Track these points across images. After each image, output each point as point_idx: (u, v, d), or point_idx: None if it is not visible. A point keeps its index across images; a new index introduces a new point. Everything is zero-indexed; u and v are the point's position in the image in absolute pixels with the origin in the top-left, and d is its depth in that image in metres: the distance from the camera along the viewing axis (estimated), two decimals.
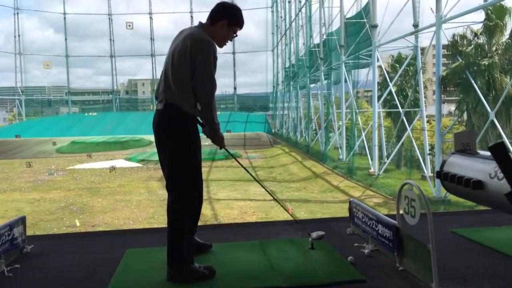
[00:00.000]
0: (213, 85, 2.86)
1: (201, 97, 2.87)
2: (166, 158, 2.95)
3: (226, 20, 2.97)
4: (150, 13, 59.91)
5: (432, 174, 16.60)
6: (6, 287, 2.89)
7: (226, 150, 3.23)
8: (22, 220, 3.57)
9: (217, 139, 3.00)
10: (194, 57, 2.80)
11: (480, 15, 15.92)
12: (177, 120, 2.88)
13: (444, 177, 2.91)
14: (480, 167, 2.63)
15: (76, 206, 15.56)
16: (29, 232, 3.87)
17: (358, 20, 22.51)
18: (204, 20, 3.07)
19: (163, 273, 2.98)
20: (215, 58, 2.87)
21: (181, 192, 2.90)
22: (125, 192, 18.14)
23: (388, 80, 21.26)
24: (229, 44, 3.17)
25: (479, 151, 2.89)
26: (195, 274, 2.83)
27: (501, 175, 2.41)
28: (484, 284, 2.75)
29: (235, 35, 3.07)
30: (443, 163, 3.02)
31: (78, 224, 12.82)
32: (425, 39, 17.05)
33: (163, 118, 2.93)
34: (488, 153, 2.68)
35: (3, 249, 3.18)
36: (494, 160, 2.24)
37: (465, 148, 2.93)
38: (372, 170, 19.78)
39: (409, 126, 18.25)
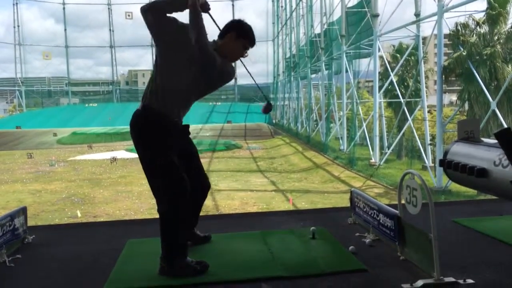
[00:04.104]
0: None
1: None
2: (143, 166, 2.89)
3: (234, 32, 2.95)
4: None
5: (433, 164, 16.61)
6: (7, 277, 2.90)
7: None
8: (23, 211, 3.56)
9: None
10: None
11: (483, 4, 15.82)
12: (155, 122, 2.83)
13: (447, 165, 2.89)
14: (484, 155, 2.60)
15: (77, 197, 15.61)
16: (31, 223, 3.88)
17: (359, 10, 22.36)
18: None
19: None
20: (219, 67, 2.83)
21: (167, 197, 2.82)
22: (126, 183, 18.18)
23: (389, 70, 21.19)
24: None
25: (483, 139, 2.86)
26: (186, 269, 2.81)
27: (505, 162, 2.39)
28: (486, 273, 2.74)
29: (246, 52, 3.03)
30: (447, 151, 3.00)
31: (79, 214, 12.87)
32: (427, 29, 17.04)
33: (135, 117, 2.88)
34: (492, 141, 2.66)
35: (5, 240, 3.18)
36: (498, 148, 2.22)
37: (468, 136, 2.90)
38: (373, 160, 19.78)
39: (410, 116, 18.21)
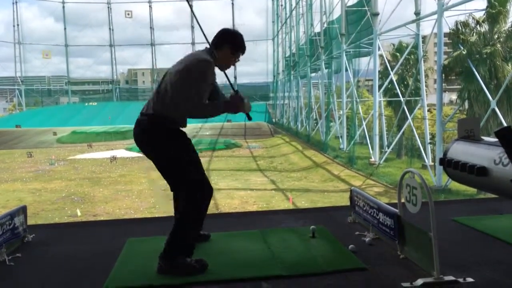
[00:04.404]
0: (196, 105, 2.84)
1: (183, 112, 2.92)
2: (160, 169, 2.98)
3: (229, 46, 3.03)
4: (150, 2, 59.50)
5: (432, 163, 16.62)
6: (7, 276, 2.90)
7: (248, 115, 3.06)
8: (23, 210, 3.56)
9: (236, 109, 2.96)
10: (189, 73, 2.86)
11: (483, 3, 15.80)
12: (159, 127, 2.92)
13: (447, 164, 2.88)
14: (484, 153, 2.60)
15: (77, 196, 15.60)
16: (31, 222, 3.88)
17: (359, 8, 22.35)
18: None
19: None
20: (212, 75, 2.91)
21: (192, 197, 2.89)
22: (126, 182, 18.18)
23: (389, 69, 21.16)
24: None
25: (483, 137, 2.86)
26: (185, 267, 2.81)
27: (506, 161, 2.39)
28: (485, 272, 2.74)
29: (238, 60, 3.13)
30: (447, 150, 2.99)
31: (79, 213, 12.87)
32: (427, 27, 17.00)
33: (144, 127, 2.97)
34: (492, 139, 2.66)
35: (4, 238, 3.18)
36: (498, 146, 2.21)
37: (468, 134, 2.90)
38: (372, 159, 19.79)
39: (410, 115, 18.21)
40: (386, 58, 24.01)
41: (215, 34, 3.07)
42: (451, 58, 15.73)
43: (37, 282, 2.82)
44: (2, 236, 3.16)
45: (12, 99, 64.58)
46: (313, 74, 35.35)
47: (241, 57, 3.15)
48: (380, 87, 21.11)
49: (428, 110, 19.43)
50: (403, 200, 2.92)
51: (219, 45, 3.03)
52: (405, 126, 20.06)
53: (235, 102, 2.95)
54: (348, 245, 3.20)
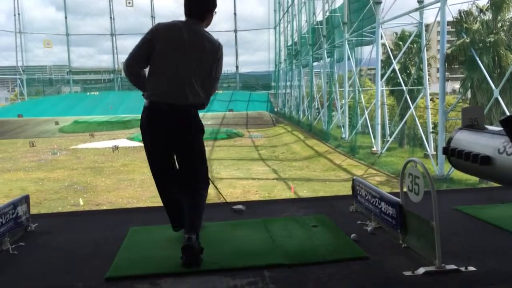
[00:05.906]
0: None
1: (209, 96, 3.30)
2: (192, 154, 3.14)
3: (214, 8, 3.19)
4: None
5: (434, 152, 16.60)
6: (11, 265, 2.91)
7: None
8: (25, 199, 3.58)
9: None
10: (219, 62, 3.12)
11: None
12: (198, 117, 3.25)
13: (451, 152, 2.87)
14: (488, 142, 2.59)
15: (80, 185, 15.66)
16: (34, 211, 3.89)
17: None
18: None
19: (166, 250, 3.02)
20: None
21: (207, 178, 3.21)
22: (128, 171, 18.22)
23: (392, 57, 21.04)
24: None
25: (487, 126, 2.84)
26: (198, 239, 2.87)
27: (510, 150, 2.37)
28: (488, 261, 2.74)
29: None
30: (450, 138, 2.98)
31: (82, 203, 12.93)
32: (430, 16, 16.86)
33: (194, 117, 3.22)
34: (496, 128, 2.64)
35: (8, 227, 3.20)
36: (502, 135, 2.20)
37: (472, 123, 2.88)
38: (374, 148, 19.78)
39: (412, 104, 18.14)
40: (389, 47, 23.86)
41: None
42: (454, 46, 15.64)
43: (40, 270, 2.84)
44: (6, 225, 3.17)
45: (13, 89, 64.50)
46: (315, 63, 35.16)
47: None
48: (382, 76, 21.01)
49: (430, 99, 19.35)
50: (405, 189, 2.92)
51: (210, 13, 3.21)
52: (407, 115, 20.00)
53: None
54: (350, 234, 3.21)
